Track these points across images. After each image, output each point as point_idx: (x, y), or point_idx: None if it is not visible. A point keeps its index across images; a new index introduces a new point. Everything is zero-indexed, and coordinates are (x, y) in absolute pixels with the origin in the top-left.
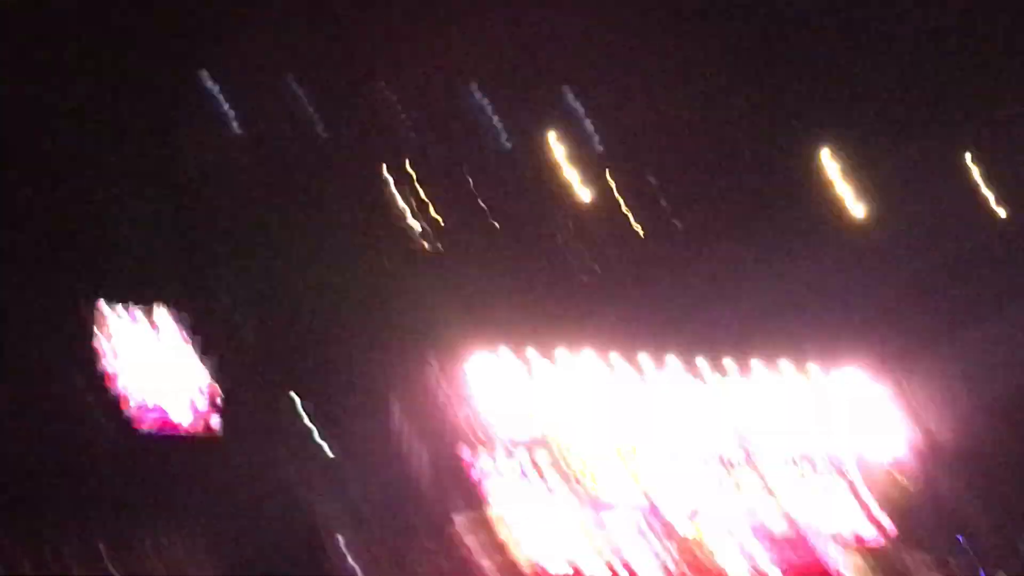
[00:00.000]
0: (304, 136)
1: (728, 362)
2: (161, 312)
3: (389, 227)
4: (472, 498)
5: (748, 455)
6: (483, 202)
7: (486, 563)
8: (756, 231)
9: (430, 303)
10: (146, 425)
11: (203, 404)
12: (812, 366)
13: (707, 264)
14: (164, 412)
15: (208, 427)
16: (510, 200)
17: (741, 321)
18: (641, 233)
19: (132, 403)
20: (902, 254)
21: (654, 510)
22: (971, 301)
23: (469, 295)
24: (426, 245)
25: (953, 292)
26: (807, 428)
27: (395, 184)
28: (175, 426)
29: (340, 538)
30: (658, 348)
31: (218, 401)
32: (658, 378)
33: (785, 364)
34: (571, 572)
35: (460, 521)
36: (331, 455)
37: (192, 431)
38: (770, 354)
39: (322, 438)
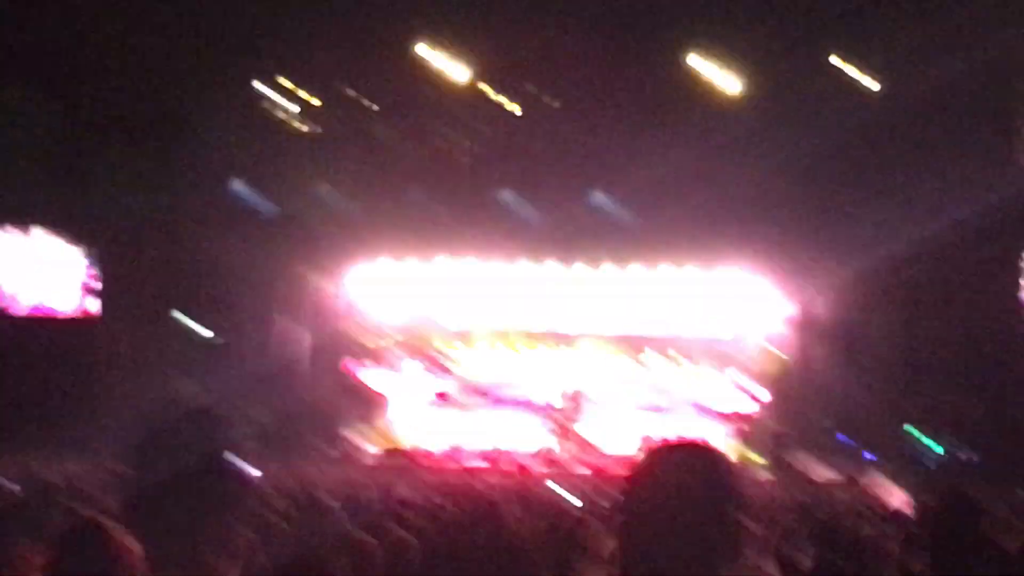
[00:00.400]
0: None
1: (608, 265)
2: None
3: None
4: (363, 407)
5: (630, 342)
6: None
7: (379, 462)
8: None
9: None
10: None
11: (81, 291)
12: (690, 268)
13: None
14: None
15: (86, 311)
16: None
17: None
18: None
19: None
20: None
21: (539, 399)
22: (844, 176)
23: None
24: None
25: (827, 168)
26: (686, 316)
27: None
28: (51, 311)
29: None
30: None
31: (95, 285)
32: (541, 275)
33: (665, 267)
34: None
35: (352, 430)
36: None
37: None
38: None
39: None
